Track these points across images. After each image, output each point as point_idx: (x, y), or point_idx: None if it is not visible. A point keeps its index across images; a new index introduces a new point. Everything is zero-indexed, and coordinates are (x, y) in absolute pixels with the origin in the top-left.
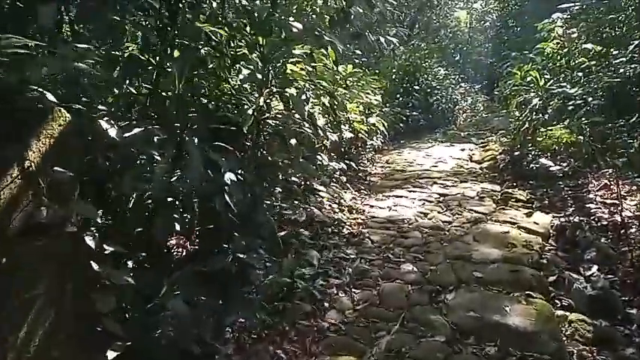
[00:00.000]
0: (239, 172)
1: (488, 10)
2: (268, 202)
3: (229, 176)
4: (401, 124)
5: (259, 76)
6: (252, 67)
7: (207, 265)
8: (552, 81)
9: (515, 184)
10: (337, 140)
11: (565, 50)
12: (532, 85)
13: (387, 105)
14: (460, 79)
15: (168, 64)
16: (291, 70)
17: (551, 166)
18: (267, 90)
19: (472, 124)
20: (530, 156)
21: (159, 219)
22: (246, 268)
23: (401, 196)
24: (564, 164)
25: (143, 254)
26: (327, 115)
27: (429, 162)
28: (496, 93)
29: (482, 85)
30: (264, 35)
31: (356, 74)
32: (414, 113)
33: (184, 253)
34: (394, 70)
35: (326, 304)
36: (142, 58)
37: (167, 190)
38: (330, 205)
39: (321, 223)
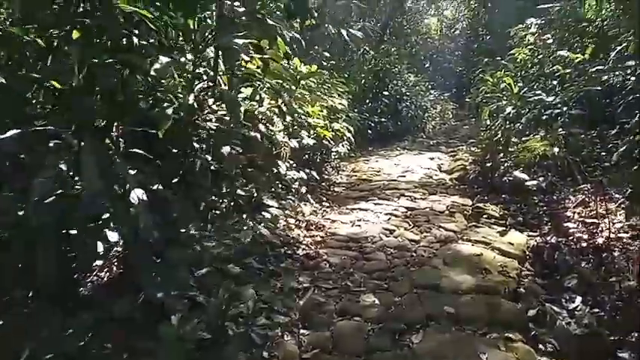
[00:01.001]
0: (156, 187)
1: (459, 18)
2: (201, 225)
3: (137, 194)
4: (369, 131)
5: (189, 67)
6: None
7: (113, 308)
8: (526, 89)
9: (486, 197)
10: (297, 147)
11: (540, 57)
12: (505, 92)
13: (356, 110)
14: (430, 86)
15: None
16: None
17: (525, 180)
18: (201, 85)
19: (441, 131)
20: (503, 168)
21: (39, 250)
22: (164, 311)
23: (366, 210)
24: (540, 178)
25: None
26: (286, 119)
27: (397, 171)
28: (467, 100)
29: (451, 92)
30: (189, 16)
31: (319, 75)
32: (383, 119)
33: (102, 284)
34: (363, 75)
35: (265, 354)
36: (29, 38)
37: (49, 212)
38: (286, 221)
39: (271, 244)
